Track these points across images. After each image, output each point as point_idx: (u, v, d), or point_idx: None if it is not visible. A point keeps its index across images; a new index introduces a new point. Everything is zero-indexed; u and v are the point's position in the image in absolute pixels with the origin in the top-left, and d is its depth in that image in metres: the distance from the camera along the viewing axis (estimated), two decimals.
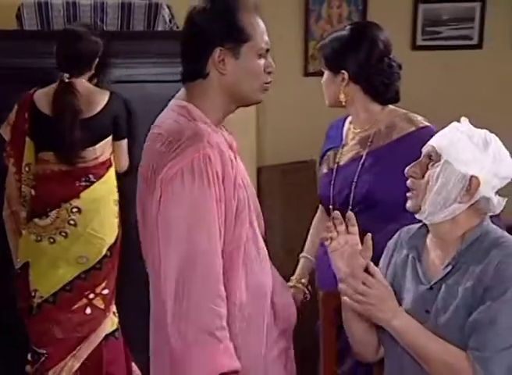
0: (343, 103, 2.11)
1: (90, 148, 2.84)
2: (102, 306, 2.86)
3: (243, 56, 1.65)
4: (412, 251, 1.76)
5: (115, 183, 2.95)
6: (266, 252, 1.76)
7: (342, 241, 1.72)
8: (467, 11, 3.64)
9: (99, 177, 2.87)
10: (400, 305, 1.70)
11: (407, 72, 3.01)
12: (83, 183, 2.84)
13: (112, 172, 2.94)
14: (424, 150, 1.70)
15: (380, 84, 2.07)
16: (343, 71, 2.07)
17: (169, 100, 1.76)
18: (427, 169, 1.68)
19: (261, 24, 1.70)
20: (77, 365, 2.85)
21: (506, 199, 1.68)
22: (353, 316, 1.73)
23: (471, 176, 1.63)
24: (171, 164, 1.57)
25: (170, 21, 3.17)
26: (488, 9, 3.63)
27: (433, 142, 1.70)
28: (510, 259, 1.61)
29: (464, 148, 1.65)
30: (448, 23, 3.64)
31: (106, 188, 2.91)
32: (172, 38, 3.00)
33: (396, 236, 1.85)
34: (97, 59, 2.89)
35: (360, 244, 1.71)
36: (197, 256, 1.54)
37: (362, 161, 2.10)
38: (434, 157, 1.67)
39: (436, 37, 3.68)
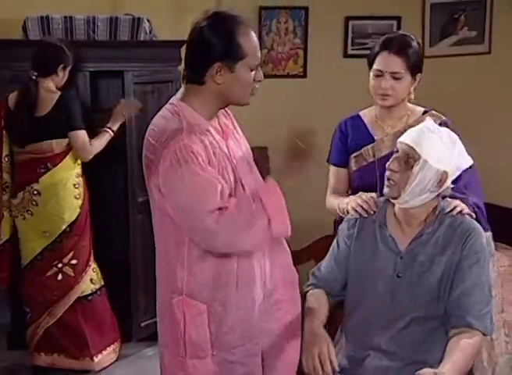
0: (408, 101, 2.21)
1: (47, 142, 3.10)
2: (72, 274, 3.18)
3: (237, 70, 1.74)
4: (380, 223, 1.91)
5: (74, 169, 3.18)
6: None
7: None
8: (386, 27, 3.97)
9: (55, 164, 3.12)
10: (373, 268, 1.87)
11: (341, 75, 3.58)
12: (42, 170, 3.11)
13: (68, 160, 3.14)
14: (402, 147, 1.81)
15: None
16: (419, 74, 2.20)
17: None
18: (405, 164, 1.79)
19: (254, 42, 1.77)
20: (52, 321, 3.18)
21: None
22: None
23: (443, 171, 1.78)
24: (162, 158, 1.71)
25: (150, 32, 3.48)
26: (402, 26, 4.01)
27: (410, 142, 1.79)
28: (473, 233, 1.82)
29: (437, 148, 1.77)
30: (372, 36, 3.96)
31: (63, 174, 3.14)
32: (152, 46, 3.50)
33: None
34: (61, 65, 3.13)
35: None
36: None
37: None
38: (413, 156, 1.78)
39: (363, 47, 3.96)
